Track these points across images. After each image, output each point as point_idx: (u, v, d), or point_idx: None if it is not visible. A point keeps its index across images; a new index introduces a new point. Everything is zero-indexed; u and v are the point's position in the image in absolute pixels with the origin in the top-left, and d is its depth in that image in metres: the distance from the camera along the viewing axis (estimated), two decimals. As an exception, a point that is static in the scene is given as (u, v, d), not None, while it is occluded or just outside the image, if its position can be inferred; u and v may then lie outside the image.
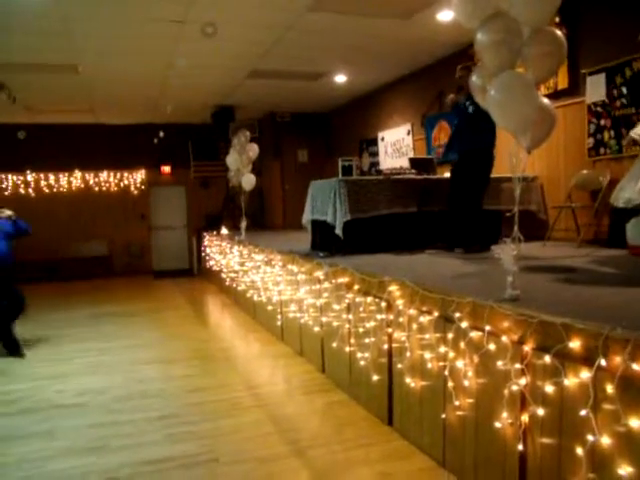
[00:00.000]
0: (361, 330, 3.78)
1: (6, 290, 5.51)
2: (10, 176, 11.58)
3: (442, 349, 2.86)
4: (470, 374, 2.65)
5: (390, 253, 5.02)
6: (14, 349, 5.49)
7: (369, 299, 3.69)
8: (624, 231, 4.38)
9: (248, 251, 7.26)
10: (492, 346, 2.49)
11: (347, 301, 4.03)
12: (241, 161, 8.45)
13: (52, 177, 11.88)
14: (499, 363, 2.41)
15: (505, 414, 2.38)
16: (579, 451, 2.02)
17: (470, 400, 2.68)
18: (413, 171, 5.92)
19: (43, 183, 11.83)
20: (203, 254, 11.03)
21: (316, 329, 4.65)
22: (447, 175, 5.67)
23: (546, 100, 3.07)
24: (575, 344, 2.06)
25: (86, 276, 11.47)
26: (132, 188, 12.38)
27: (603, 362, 1.92)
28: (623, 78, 4.96)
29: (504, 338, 2.41)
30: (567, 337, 2.09)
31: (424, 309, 3.07)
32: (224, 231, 9.72)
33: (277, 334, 5.91)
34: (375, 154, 9.73)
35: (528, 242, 2.96)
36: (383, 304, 3.50)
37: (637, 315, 2.28)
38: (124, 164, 12.15)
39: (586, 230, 5.21)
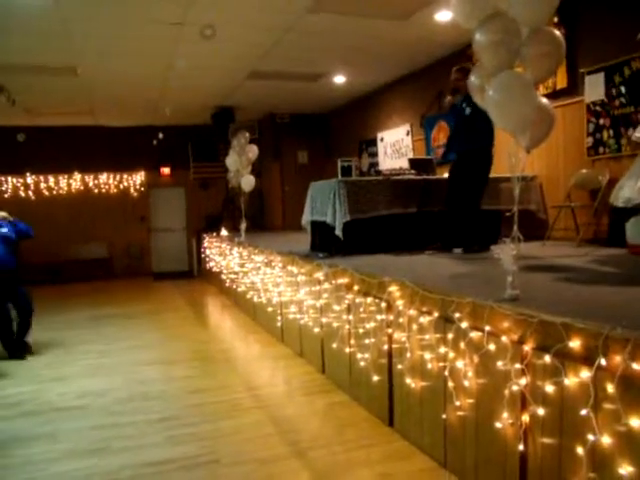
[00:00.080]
0: (361, 331, 3.78)
1: (11, 294, 5.50)
2: (10, 179, 11.60)
3: (442, 349, 2.86)
4: (470, 374, 2.65)
5: (390, 254, 5.02)
6: (20, 351, 5.47)
7: (369, 300, 3.69)
8: (624, 230, 4.38)
9: (248, 252, 7.26)
10: (492, 346, 2.48)
11: (347, 302, 4.02)
12: (241, 162, 8.45)
13: (52, 179, 11.89)
14: (499, 363, 2.41)
15: (505, 414, 2.38)
16: (580, 451, 2.02)
17: (470, 400, 2.68)
18: (412, 171, 5.91)
19: (43, 185, 11.84)
20: (203, 256, 11.03)
21: (316, 330, 4.65)
22: (446, 175, 5.67)
23: (545, 100, 3.08)
24: (575, 344, 2.05)
25: (86, 278, 11.47)
26: (132, 190, 12.39)
27: (603, 362, 1.92)
28: (622, 77, 4.96)
29: (504, 338, 2.41)
30: (567, 337, 2.08)
31: (424, 309, 3.07)
32: (224, 232, 9.72)
33: (277, 335, 5.91)
34: (374, 155, 9.74)
35: (527, 242, 2.96)
36: (383, 305, 3.50)
37: (637, 314, 2.28)
38: (124, 166, 12.15)
39: (585, 229, 5.21)
